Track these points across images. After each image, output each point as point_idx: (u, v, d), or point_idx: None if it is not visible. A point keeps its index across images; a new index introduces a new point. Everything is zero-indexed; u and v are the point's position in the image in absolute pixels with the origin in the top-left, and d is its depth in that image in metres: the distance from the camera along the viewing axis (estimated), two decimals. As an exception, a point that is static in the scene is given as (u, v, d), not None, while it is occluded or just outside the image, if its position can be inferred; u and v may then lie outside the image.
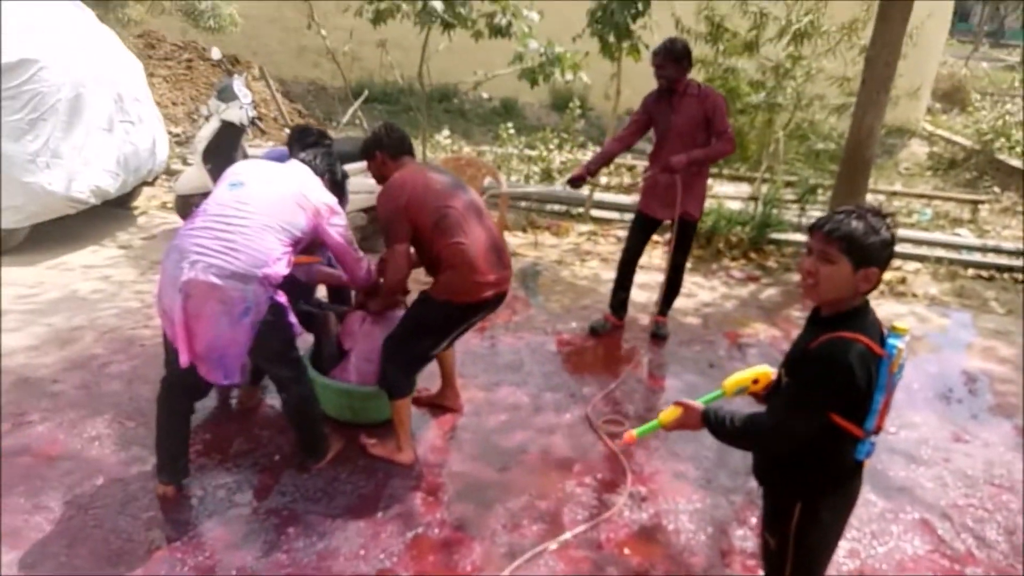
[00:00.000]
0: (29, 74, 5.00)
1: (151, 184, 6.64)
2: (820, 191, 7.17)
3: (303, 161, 3.21)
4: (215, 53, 6.20)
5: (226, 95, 5.50)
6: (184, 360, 2.79)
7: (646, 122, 4.54)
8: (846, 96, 7.27)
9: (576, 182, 4.63)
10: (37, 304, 4.68)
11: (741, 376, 2.09)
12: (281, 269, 2.86)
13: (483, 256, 3.15)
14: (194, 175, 5.69)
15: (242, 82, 5.74)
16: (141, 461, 3.23)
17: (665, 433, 3.72)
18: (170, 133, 7.56)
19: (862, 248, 1.77)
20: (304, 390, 3.16)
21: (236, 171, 3.06)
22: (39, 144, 5.09)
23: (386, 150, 3.27)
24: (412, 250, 3.26)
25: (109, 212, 6.18)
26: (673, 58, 4.28)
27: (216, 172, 5.72)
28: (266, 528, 2.92)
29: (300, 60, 13.00)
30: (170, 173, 7.08)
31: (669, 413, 2.04)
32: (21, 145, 5.02)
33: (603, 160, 4.77)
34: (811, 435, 1.83)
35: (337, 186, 3.29)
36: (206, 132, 5.57)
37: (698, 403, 2.00)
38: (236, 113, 5.46)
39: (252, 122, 5.60)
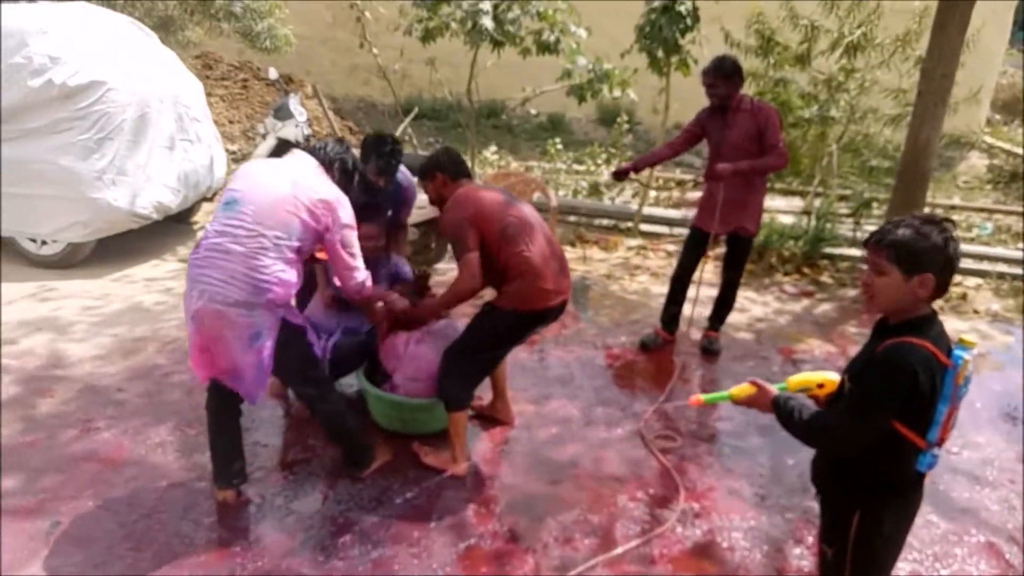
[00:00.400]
0: (98, 95, 5.20)
1: (209, 200, 6.83)
2: (876, 205, 7.04)
3: (310, 150, 3.10)
4: (272, 73, 6.38)
5: (282, 114, 5.67)
6: (201, 378, 2.94)
7: (699, 134, 4.54)
8: (901, 108, 7.14)
9: (620, 175, 4.68)
10: (102, 315, 4.85)
11: (807, 377, 2.08)
12: (287, 290, 2.83)
13: (547, 264, 3.21)
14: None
15: (297, 101, 5.91)
16: (201, 468, 3.32)
17: (718, 450, 3.72)
18: (227, 151, 7.78)
19: (910, 254, 1.78)
20: (329, 407, 3.15)
21: (232, 185, 2.93)
22: (105, 162, 5.28)
23: (446, 172, 3.35)
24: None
25: (170, 227, 6.38)
26: (723, 76, 4.27)
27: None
28: (322, 535, 2.97)
29: (351, 78, 13.26)
30: (227, 189, 7.28)
31: (742, 389, 2.05)
32: (89, 163, 5.22)
33: (651, 161, 4.84)
34: (874, 440, 1.81)
35: (347, 175, 3.11)
36: (263, 149, 5.74)
37: (772, 387, 2.00)
38: (292, 131, 5.62)
39: (307, 139, 5.75)
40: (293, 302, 3.06)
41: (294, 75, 10.80)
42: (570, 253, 6.68)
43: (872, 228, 1.91)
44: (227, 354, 2.82)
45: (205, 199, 6.64)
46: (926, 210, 6.66)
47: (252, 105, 10.12)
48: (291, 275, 2.85)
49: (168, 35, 8.99)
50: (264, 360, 2.86)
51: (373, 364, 3.73)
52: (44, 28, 5.21)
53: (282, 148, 5.70)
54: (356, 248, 3.02)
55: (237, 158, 8.53)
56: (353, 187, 3.13)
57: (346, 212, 2.95)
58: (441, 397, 3.34)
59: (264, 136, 5.84)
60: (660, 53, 6.40)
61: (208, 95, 6.97)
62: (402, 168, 3.78)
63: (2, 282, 5.22)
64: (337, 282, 3.18)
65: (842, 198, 7.51)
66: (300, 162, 3.01)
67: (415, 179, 3.74)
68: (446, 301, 3.35)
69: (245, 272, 2.75)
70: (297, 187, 2.86)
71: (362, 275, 3.08)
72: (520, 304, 3.21)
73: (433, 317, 3.57)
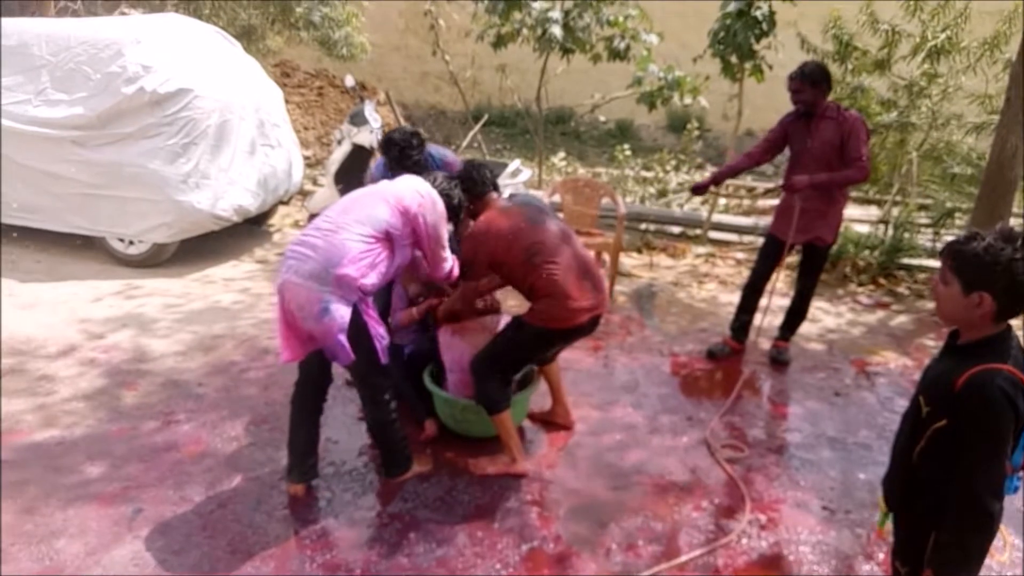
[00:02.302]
0: (185, 102, 5.46)
1: (286, 203, 7.06)
2: (958, 215, 6.78)
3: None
4: (349, 80, 6.55)
5: (358, 120, 5.81)
6: (283, 358, 3.03)
7: (781, 141, 4.45)
8: (987, 114, 6.87)
9: (700, 190, 4.62)
10: (183, 313, 5.06)
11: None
12: (359, 271, 2.87)
13: (576, 283, 3.21)
14: (326, 195, 6.01)
15: (372, 108, 6.04)
16: (274, 462, 3.43)
17: (786, 461, 3.65)
18: (302, 156, 8.02)
19: (972, 269, 1.71)
20: (379, 413, 3.19)
21: None
22: (191, 166, 5.53)
23: (469, 192, 3.41)
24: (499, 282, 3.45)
25: (248, 229, 6.61)
26: (810, 82, 4.18)
27: (346, 192, 6.01)
28: (388, 532, 3.03)
29: (422, 86, 13.52)
30: (303, 193, 7.50)
31: None
32: (175, 167, 5.47)
33: (731, 172, 4.73)
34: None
35: (453, 211, 3.26)
36: (338, 155, 5.88)
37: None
38: (367, 137, 5.75)
39: (380, 145, 5.88)
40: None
41: (366, 82, 11.07)
42: (636, 260, 6.65)
43: (951, 239, 1.84)
44: (303, 326, 2.93)
45: (282, 202, 6.87)
46: (1012, 221, 6.38)
47: (327, 112, 10.42)
48: (366, 258, 2.90)
49: (250, 44, 9.34)
50: (334, 336, 2.88)
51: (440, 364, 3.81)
52: (138, 38, 5.49)
53: (357, 154, 5.84)
54: (445, 239, 3.18)
55: (312, 163, 8.80)
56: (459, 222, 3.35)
57: (440, 206, 3.12)
58: (479, 402, 3.38)
59: (340, 142, 5.99)
60: (734, 59, 6.33)
61: (286, 102, 7.21)
62: (446, 156, 3.88)
63: (88, 280, 5.52)
64: (426, 267, 3.31)
65: (922, 207, 7.26)
66: (409, 176, 3.24)
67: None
68: (443, 316, 3.56)
69: (322, 246, 2.88)
70: (395, 183, 3.13)
71: (451, 262, 3.27)
72: (549, 322, 3.24)
73: (443, 322, 3.61)
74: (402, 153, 3.63)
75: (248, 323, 4.91)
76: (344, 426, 3.81)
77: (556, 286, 3.17)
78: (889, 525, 2.06)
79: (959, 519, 1.77)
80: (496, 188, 3.48)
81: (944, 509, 1.83)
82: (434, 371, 3.77)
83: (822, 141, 4.21)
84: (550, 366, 3.75)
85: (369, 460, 3.52)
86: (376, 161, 3.93)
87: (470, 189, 3.40)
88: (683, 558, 2.94)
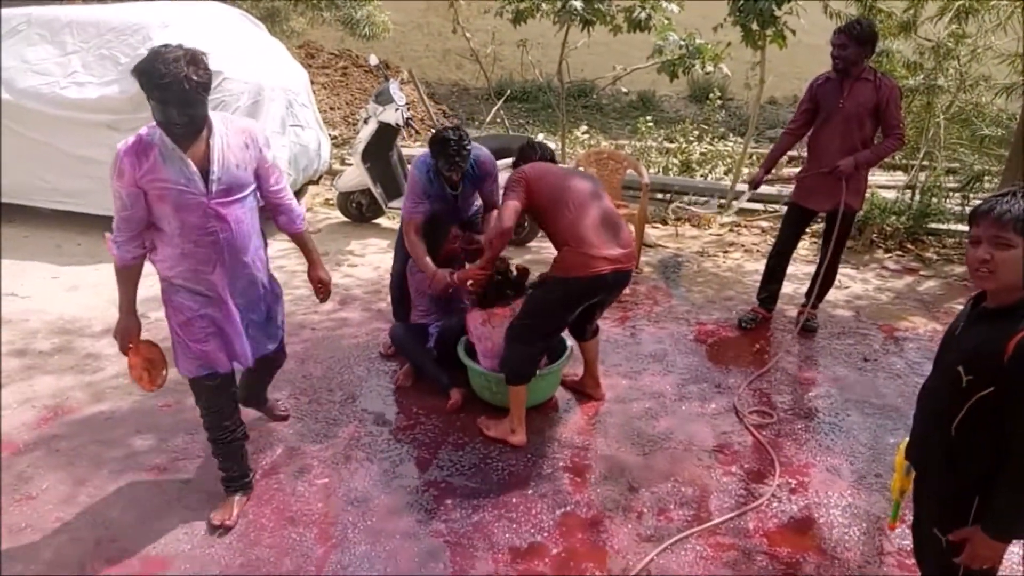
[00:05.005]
0: (215, 84, 5.51)
1: (315, 183, 7.14)
2: (987, 178, 6.70)
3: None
4: (372, 59, 6.59)
5: (383, 99, 5.86)
6: None
7: (815, 109, 4.40)
8: (1018, 74, 6.75)
9: (758, 185, 4.73)
10: (219, 292, 5.17)
11: (897, 481, 2.13)
12: (157, 264, 2.93)
13: (595, 231, 3.27)
14: (354, 174, 6.09)
15: (397, 86, 6.08)
16: (314, 433, 3.55)
17: (815, 427, 3.69)
18: (329, 136, 8.10)
19: None
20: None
21: None
22: (221, 148, 5.61)
23: (523, 161, 3.70)
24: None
25: (278, 209, 6.70)
26: (856, 39, 4.13)
27: (374, 170, 6.10)
28: (425, 499, 3.13)
29: (444, 63, 13.52)
30: (331, 173, 7.58)
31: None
32: (206, 149, 5.56)
33: (778, 155, 4.68)
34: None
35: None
36: (365, 134, 5.95)
37: (973, 531, 1.87)
38: (392, 115, 5.80)
39: (407, 123, 5.93)
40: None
41: (389, 61, 11.11)
42: (661, 230, 6.67)
43: (997, 205, 1.79)
44: None
45: (311, 182, 6.95)
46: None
47: (351, 91, 10.48)
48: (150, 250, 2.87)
49: (274, 25, 9.41)
50: None
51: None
52: (165, 22, 5.57)
53: (384, 132, 5.90)
54: (116, 216, 2.67)
55: (338, 143, 8.88)
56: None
57: (114, 170, 2.60)
58: (502, 370, 3.47)
59: (366, 121, 6.05)
60: (755, 26, 6.26)
61: (311, 83, 7.27)
62: (479, 154, 3.90)
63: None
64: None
65: (949, 171, 7.18)
66: None
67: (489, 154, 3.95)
68: (487, 258, 3.57)
69: None
70: None
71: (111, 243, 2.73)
72: (566, 271, 3.29)
73: (484, 271, 3.64)
74: (459, 146, 3.64)
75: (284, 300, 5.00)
76: (380, 397, 3.91)
77: (572, 231, 3.26)
78: (903, 511, 2.08)
79: (1021, 479, 1.77)
80: (552, 160, 3.73)
81: (991, 472, 1.82)
82: (468, 345, 3.86)
83: (855, 102, 4.19)
84: (589, 343, 3.80)
85: (405, 430, 3.62)
86: (419, 162, 3.91)
87: (528, 158, 3.69)
88: (714, 521, 3.01)
